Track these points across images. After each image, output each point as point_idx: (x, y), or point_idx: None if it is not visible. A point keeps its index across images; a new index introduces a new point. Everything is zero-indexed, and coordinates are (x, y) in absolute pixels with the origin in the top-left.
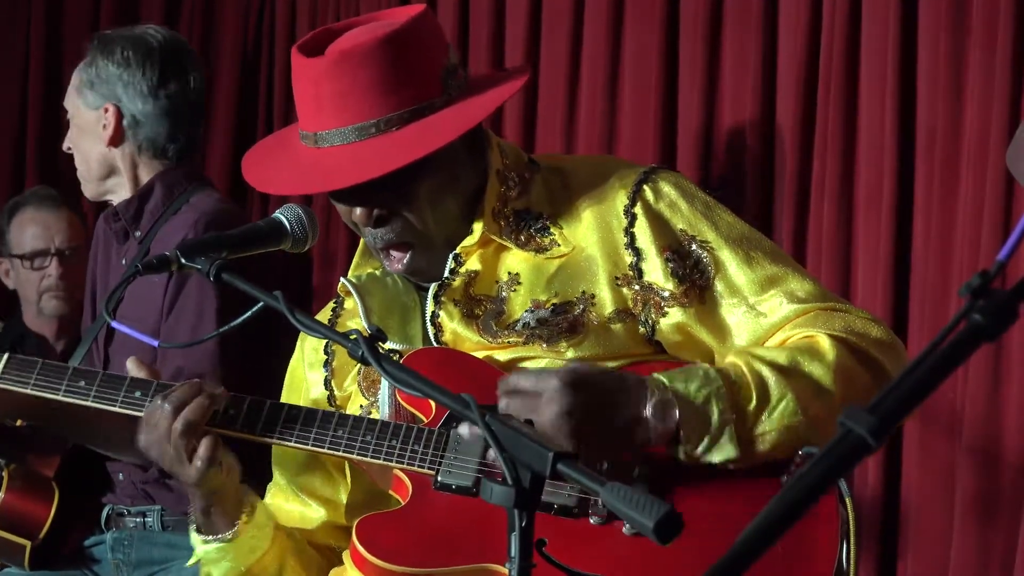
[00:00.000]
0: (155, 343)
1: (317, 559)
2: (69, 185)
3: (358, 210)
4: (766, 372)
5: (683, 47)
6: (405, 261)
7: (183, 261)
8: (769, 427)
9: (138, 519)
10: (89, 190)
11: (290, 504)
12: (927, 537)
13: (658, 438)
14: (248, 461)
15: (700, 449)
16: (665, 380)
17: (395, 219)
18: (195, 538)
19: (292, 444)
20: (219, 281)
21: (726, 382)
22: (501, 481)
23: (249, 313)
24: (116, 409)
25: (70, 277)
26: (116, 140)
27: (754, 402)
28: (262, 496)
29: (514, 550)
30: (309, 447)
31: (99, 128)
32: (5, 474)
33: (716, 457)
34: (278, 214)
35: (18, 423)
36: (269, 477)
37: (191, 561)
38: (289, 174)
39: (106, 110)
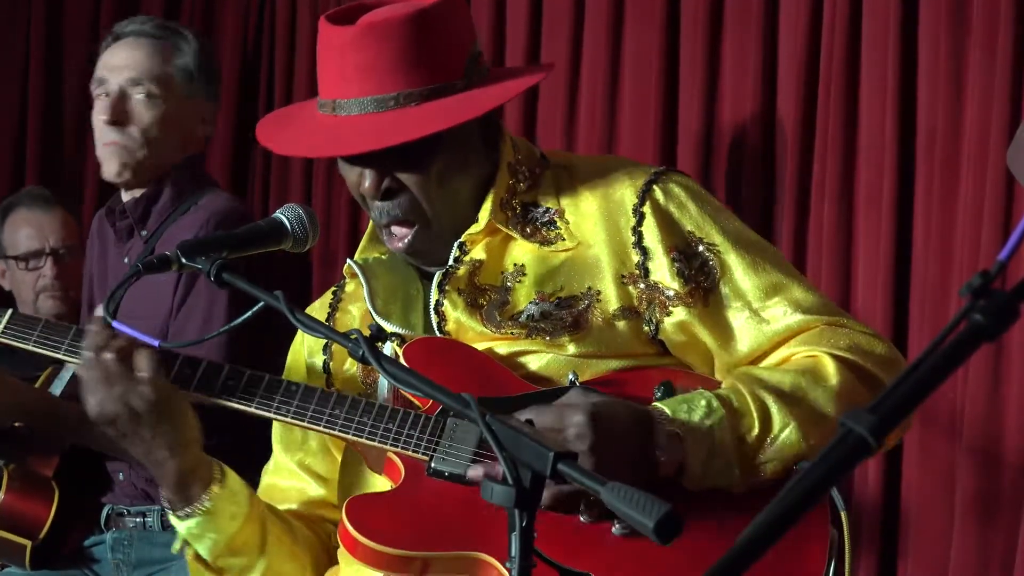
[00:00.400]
0: (155, 343)
1: (301, 529)
2: (69, 184)
3: (367, 181)
4: (769, 400)
5: (683, 48)
6: (407, 239)
7: (183, 261)
8: (770, 457)
9: (138, 519)
10: (131, 172)
11: (288, 482)
12: (927, 537)
13: (664, 468)
14: (246, 450)
15: (704, 478)
16: (668, 411)
17: (403, 193)
18: (174, 520)
19: (288, 419)
20: (219, 281)
21: (728, 411)
22: (501, 480)
23: (250, 313)
24: None
25: (65, 277)
26: (209, 138)
27: (756, 431)
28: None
29: (515, 550)
30: (305, 423)
31: (198, 121)
32: (5, 474)
33: (718, 484)
34: (278, 214)
35: (16, 424)
36: (262, 463)
37: (175, 546)
38: (303, 138)
39: (208, 108)
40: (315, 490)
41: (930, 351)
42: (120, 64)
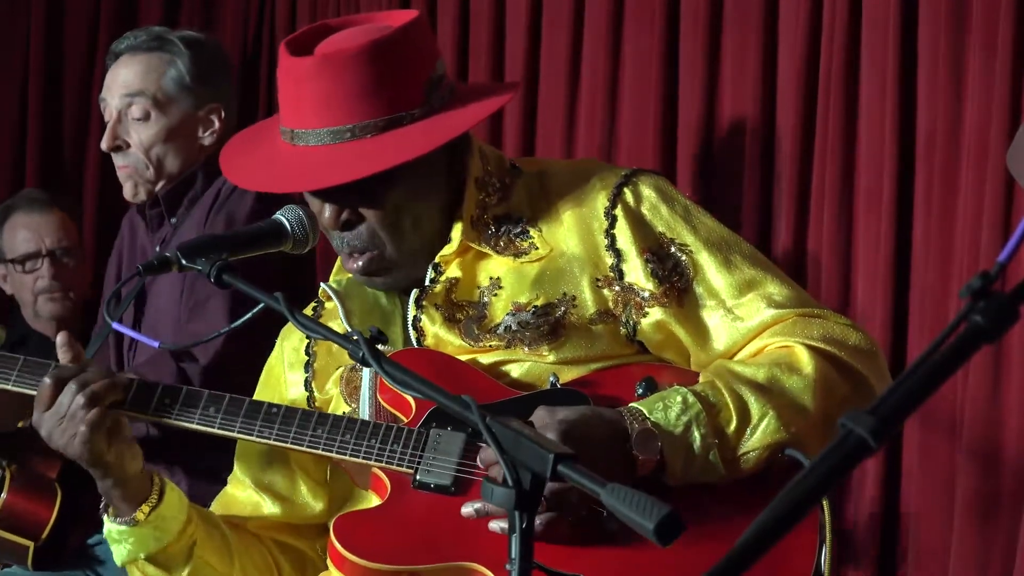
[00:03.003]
0: (155, 343)
1: (257, 545)
2: (69, 185)
3: (326, 213)
4: (745, 392)
5: (683, 49)
6: (361, 263)
7: (184, 262)
8: (752, 446)
9: None
10: (146, 191)
11: (245, 493)
12: (927, 538)
13: (642, 468)
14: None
15: (686, 475)
16: (644, 410)
17: (361, 225)
18: (105, 516)
19: (271, 442)
20: (220, 282)
21: (705, 406)
22: (502, 482)
23: (250, 314)
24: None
25: (64, 277)
26: (218, 139)
27: (735, 423)
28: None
29: (515, 551)
30: (288, 444)
31: (197, 128)
32: (7, 474)
33: (702, 479)
34: (279, 215)
35: (20, 424)
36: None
37: (94, 538)
38: (260, 168)
39: (212, 110)
40: (269, 508)
41: (930, 352)
42: (115, 84)
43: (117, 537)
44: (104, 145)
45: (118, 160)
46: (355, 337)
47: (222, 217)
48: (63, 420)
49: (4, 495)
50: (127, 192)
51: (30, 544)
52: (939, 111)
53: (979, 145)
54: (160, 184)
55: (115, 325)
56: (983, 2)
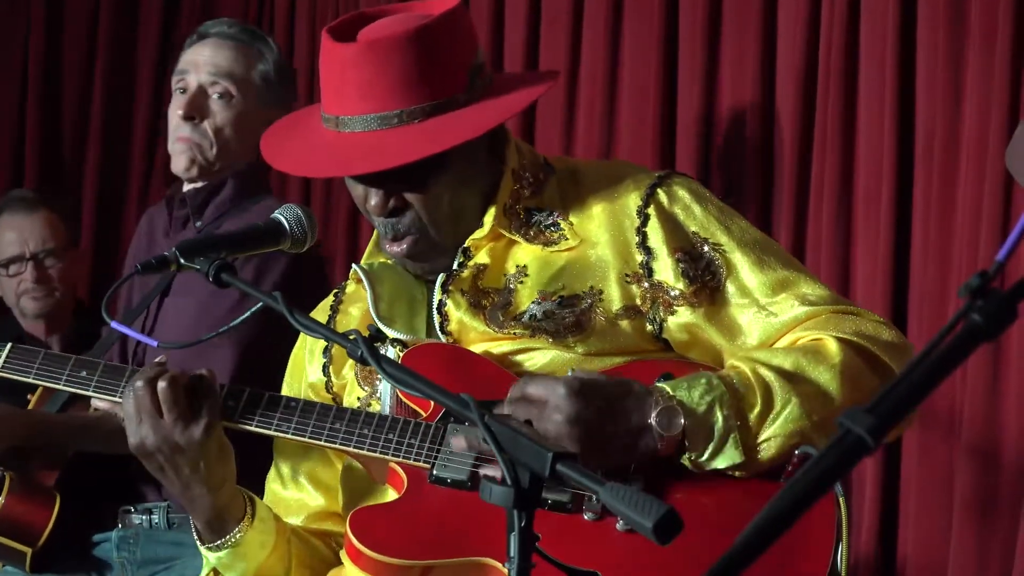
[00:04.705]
0: (154, 343)
1: (321, 549)
2: (71, 182)
3: (373, 200)
4: (771, 377)
5: (682, 47)
6: (405, 246)
7: (182, 261)
8: (773, 433)
9: (144, 516)
10: (199, 169)
11: (288, 491)
12: (927, 537)
13: (664, 446)
14: (248, 456)
15: (705, 456)
16: (669, 389)
17: (408, 211)
18: (203, 550)
19: (290, 436)
20: (218, 281)
21: (729, 389)
22: (500, 481)
23: (248, 313)
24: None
25: (46, 280)
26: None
27: (758, 408)
28: (262, 486)
29: (513, 550)
30: (306, 439)
31: (262, 127)
32: (7, 480)
33: (721, 463)
34: (277, 214)
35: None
36: (266, 471)
37: (204, 573)
38: (307, 155)
39: (277, 116)
40: (315, 500)
41: (928, 351)
42: (202, 61)
43: (229, 561)
44: (182, 112)
45: (184, 131)
46: (353, 336)
47: (251, 266)
48: (160, 417)
49: (2, 500)
50: (180, 165)
51: (28, 550)
52: (938, 110)
53: (978, 144)
54: (216, 166)
55: (114, 324)
56: (982, 2)
